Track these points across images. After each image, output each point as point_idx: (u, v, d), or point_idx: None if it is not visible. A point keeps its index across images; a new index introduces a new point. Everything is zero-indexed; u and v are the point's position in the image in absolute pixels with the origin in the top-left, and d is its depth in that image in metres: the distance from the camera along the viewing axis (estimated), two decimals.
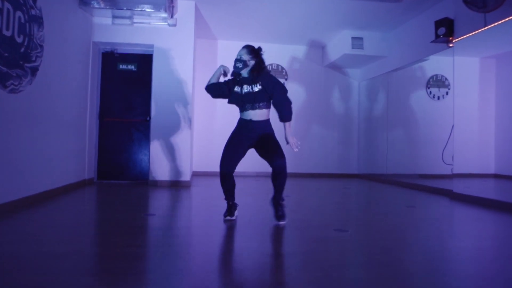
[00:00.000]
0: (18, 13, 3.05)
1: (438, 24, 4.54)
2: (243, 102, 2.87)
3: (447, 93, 5.01)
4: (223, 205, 2.98)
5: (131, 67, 5.35)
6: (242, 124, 2.94)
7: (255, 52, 2.87)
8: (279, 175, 2.83)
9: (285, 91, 2.92)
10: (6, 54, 2.90)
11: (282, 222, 2.81)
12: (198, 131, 6.71)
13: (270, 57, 6.97)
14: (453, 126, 4.45)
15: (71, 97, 4.36)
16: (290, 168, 6.77)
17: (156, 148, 5.06)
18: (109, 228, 2.64)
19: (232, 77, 2.97)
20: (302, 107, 7.18)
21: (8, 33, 2.91)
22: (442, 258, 2.03)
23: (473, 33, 4.11)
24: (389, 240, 2.43)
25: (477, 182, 4.63)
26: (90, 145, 5.04)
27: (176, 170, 5.14)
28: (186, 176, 5.16)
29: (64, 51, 4.12)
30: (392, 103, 6.20)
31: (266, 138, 2.89)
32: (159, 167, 5.09)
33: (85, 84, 4.85)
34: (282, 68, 7.16)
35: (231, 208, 2.93)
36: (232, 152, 2.88)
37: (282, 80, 6.83)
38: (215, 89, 3.02)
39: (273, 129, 2.98)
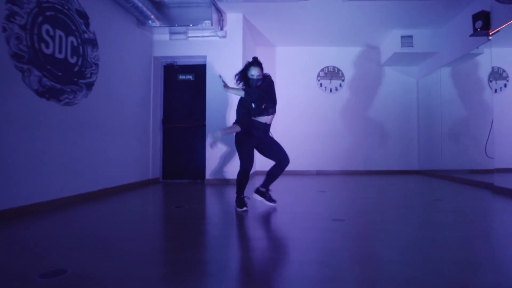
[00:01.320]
0: (71, 38, 3.53)
1: (475, 17, 4.33)
2: (266, 107, 3.12)
3: (505, 85, 4.40)
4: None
5: (189, 77, 5.71)
6: (260, 127, 3.17)
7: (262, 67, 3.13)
8: (282, 170, 3.21)
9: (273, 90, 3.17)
10: (60, 73, 3.37)
11: (275, 204, 3.25)
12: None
13: (326, 60, 6.82)
14: (492, 120, 4.15)
15: (133, 106, 4.85)
16: (351, 166, 6.65)
17: (210, 150, 5.31)
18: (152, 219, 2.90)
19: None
20: (361, 107, 6.87)
21: (60, 56, 3.39)
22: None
23: (506, 24, 3.88)
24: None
25: None
26: (154, 148, 5.52)
27: (228, 170, 5.33)
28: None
29: (124, 66, 4.61)
30: (448, 98, 5.76)
31: (270, 138, 3.30)
32: (214, 167, 5.33)
33: (147, 94, 5.34)
34: (338, 69, 6.90)
35: (242, 200, 3.16)
36: (251, 151, 3.19)
37: (338, 81, 6.64)
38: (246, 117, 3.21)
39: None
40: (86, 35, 3.78)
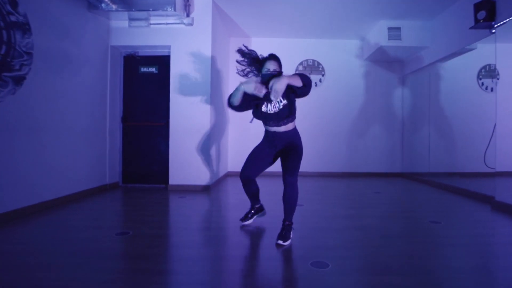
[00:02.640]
0: None
1: (478, 7, 3.68)
2: (267, 119, 2.52)
3: (496, 84, 3.93)
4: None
5: (152, 69, 4.94)
6: (268, 134, 2.62)
7: (280, 63, 2.52)
8: (287, 193, 2.46)
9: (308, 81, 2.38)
10: None
11: (280, 242, 2.35)
12: (232, 130, 6.22)
13: (305, 53, 6.17)
14: (495, 124, 3.63)
15: (83, 103, 4.08)
16: (331, 167, 6.06)
17: (174, 151, 4.61)
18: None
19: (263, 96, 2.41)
20: (341, 104, 6.30)
21: None
22: None
23: None
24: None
25: None
26: (112, 149, 4.76)
27: (194, 175, 4.64)
28: (205, 180, 4.63)
29: (71, 56, 3.83)
30: (435, 97, 5.21)
31: (290, 147, 2.51)
32: (178, 171, 4.63)
33: (103, 89, 4.56)
34: (319, 63, 6.25)
35: (249, 212, 2.90)
36: (255, 158, 2.66)
37: (318, 76, 6.00)
38: (242, 107, 2.56)
39: (300, 139, 2.58)
40: (12, 17, 2.98)
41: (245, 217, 2.88)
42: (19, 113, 3.08)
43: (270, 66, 2.43)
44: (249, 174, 2.66)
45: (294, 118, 2.54)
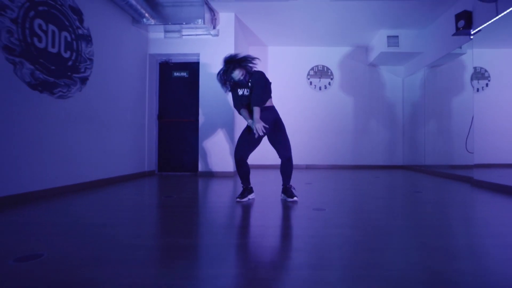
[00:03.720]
0: (64, 33, 3.42)
1: (458, 17, 4.26)
2: (242, 104, 2.95)
3: (486, 85, 4.34)
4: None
5: (184, 74, 5.61)
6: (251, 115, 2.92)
7: (240, 65, 2.80)
8: (286, 166, 2.98)
9: (261, 83, 2.82)
10: (53, 67, 3.27)
11: (295, 198, 2.95)
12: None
13: (316, 59, 6.73)
14: (472, 117, 4.18)
15: (128, 101, 4.76)
16: (340, 161, 6.58)
17: (203, 144, 5.24)
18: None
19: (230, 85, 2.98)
20: (348, 104, 6.81)
21: (54, 50, 3.28)
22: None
23: (486, 24, 3.85)
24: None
25: (504, 171, 4.05)
26: (150, 142, 5.43)
27: (219, 163, 5.25)
28: (230, 168, 5.24)
29: (119, 62, 4.52)
30: (431, 97, 5.69)
31: (275, 125, 2.95)
32: (206, 160, 5.25)
33: (143, 90, 5.24)
34: (328, 68, 6.81)
35: (245, 191, 3.02)
36: (244, 140, 2.91)
37: (328, 80, 6.55)
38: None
39: (278, 113, 3.02)
40: (80, 31, 3.68)
41: (242, 195, 2.98)
42: (84, 107, 3.76)
43: (239, 73, 2.79)
44: (242, 154, 2.88)
45: (269, 97, 2.95)
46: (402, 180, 4.75)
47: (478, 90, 4.70)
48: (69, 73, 3.51)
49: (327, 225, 2.11)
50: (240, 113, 3.00)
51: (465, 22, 4.08)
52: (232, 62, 2.77)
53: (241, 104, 2.96)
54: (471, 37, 4.14)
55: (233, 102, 3.04)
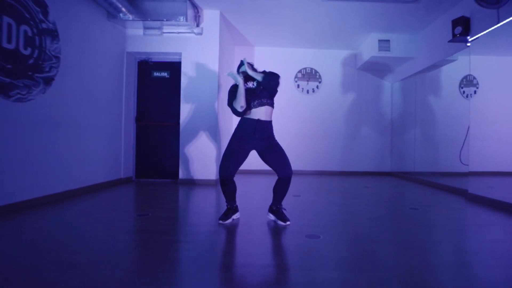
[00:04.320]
0: (24, 27, 2.96)
1: (455, 23, 3.97)
2: (250, 96, 2.59)
3: (475, 92, 4.14)
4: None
5: (164, 74, 5.18)
6: (248, 124, 2.57)
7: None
8: (285, 185, 2.59)
9: (275, 74, 2.57)
10: (9, 66, 2.80)
11: (288, 222, 2.58)
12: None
13: (304, 61, 6.41)
14: (468, 127, 3.92)
15: (102, 103, 4.31)
16: (327, 166, 6.27)
17: (184, 149, 4.83)
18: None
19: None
20: (336, 109, 6.52)
21: (10, 46, 2.81)
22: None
23: (487, 31, 3.55)
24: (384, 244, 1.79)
25: (497, 181, 3.89)
26: (127, 146, 4.97)
27: (201, 170, 4.85)
28: (212, 175, 4.84)
29: (92, 61, 4.06)
30: (421, 103, 5.45)
31: (271, 143, 2.61)
32: (187, 167, 4.85)
33: (119, 90, 4.78)
34: (316, 71, 6.49)
35: (228, 212, 2.67)
36: (230, 155, 2.56)
37: (316, 83, 6.24)
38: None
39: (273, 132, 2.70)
40: (44, 25, 3.21)
41: (225, 216, 2.63)
42: (48, 110, 3.30)
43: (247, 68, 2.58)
44: (229, 173, 2.53)
45: (273, 105, 2.64)
46: (393, 191, 4.47)
47: (467, 96, 4.53)
48: (30, 73, 3.04)
49: (324, 263, 1.76)
50: (234, 105, 2.58)
51: (462, 28, 3.81)
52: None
53: (250, 98, 2.60)
54: (468, 44, 3.87)
55: (230, 97, 2.64)
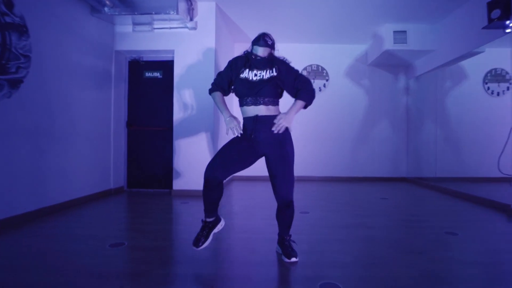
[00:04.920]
0: None
1: (492, 5, 3.31)
2: (246, 93, 1.97)
3: (508, 88, 3.61)
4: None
5: (157, 74, 4.69)
6: (246, 124, 2.01)
7: (272, 47, 2.05)
8: (285, 212, 2.02)
9: (310, 83, 2.02)
10: None
11: (293, 259, 1.97)
12: None
13: (310, 58, 5.90)
14: (511, 128, 3.34)
15: (86, 107, 3.85)
16: (335, 172, 5.74)
17: (178, 156, 4.34)
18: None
19: (244, 54, 2.07)
20: (346, 109, 5.98)
21: None
22: None
23: None
24: None
25: None
26: (117, 154, 4.50)
27: (198, 180, 4.35)
28: None
29: (73, 60, 3.59)
30: (442, 101, 4.84)
31: (282, 148, 1.97)
32: (182, 176, 4.36)
33: (107, 93, 4.31)
34: (323, 68, 5.94)
35: (204, 229, 2.01)
36: (227, 153, 1.97)
37: (322, 81, 5.71)
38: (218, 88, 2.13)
39: (290, 138, 2.04)
40: (8, 19, 2.74)
41: (197, 240, 1.99)
42: (16, 117, 2.84)
43: (263, 52, 1.98)
44: (216, 171, 1.92)
45: (278, 103, 2.06)
46: (416, 204, 3.90)
47: (498, 94, 4.05)
48: None
49: None
50: (213, 96, 2.13)
51: (501, 11, 3.19)
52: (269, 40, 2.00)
53: (245, 92, 1.98)
54: (508, 30, 3.28)
55: (217, 80, 2.11)
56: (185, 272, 1.81)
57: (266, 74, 1.96)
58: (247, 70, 2.01)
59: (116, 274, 1.78)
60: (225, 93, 2.14)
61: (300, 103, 1.96)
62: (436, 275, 1.78)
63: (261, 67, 1.98)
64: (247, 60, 2.03)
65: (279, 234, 2.11)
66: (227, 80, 2.08)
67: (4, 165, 2.72)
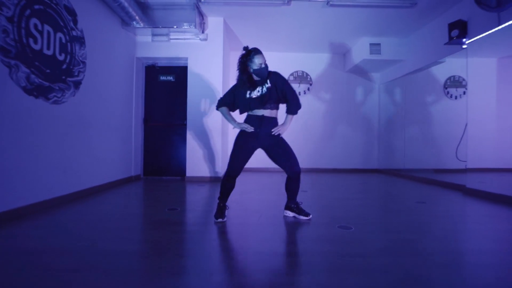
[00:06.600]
0: (59, 34, 3.09)
1: (452, 26, 4.21)
2: (251, 106, 2.49)
3: (464, 93, 4.44)
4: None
5: (170, 78, 5.35)
6: (253, 120, 2.51)
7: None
8: (296, 181, 2.62)
9: (296, 94, 2.55)
10: (48, 71, 2.93)
11: (310, 216, 2.65)
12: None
13: (296, 65, 6.72)
14: (466, 124, 4.10)
15: (117, 106, 4.43)
16: (318, 164, 6.63)
17: (191, 148, 5.02)
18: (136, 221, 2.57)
19: (241, 82, 2.52)
20: (327, 110, 6.86)
21: (49, 52, 2.95)
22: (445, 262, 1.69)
23: (487, 33, 3.75)
24: (397, 239, 2.10)
25: (491, 176, 4.02)
26: (136, 146, 5.10)
27: (208, 168, 5.06)
28: (218, 173, 5.06)
29: (109, 66, 4.19)
30: (409, 103, 5.75)
31: (277, 140, 2.56)
32: (194, 165, 5.04)
33: (130, 94, 4.91)
34: (307, 74, 6.82)
35: (222, 209, 2.59)
36: (239, 157, 2.51)
37: (307, 85, 6.57)
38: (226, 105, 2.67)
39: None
40: (74, 32, 3.35)
41: (222, 215, 2.56)
42: (76, 113, 3.43)
43: (261, 60, 2.40)
44: (239, 171, 2.52)
45: (278, 107, 2.57)
46: (389, 187, 4.64)
47: (456, 97, 4.73)
48: (63, 77, 3.18)
49: (368, 250, 2.04)
50: (221, 111, 2.64)
51: (459, 31, 4.05)
52: (253, 50, 2.45)
53: (250, 106, 2.50)
54: (464, 46, 4.08)
55: (223, 99, 2.62)
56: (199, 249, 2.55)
57: (264, 88, 2.46)
58: (249, 91, 2.49)
59: (170, 232, 2.49)
60: (230, 108, 2.64)
61: (291, 117, 2.55)
62: (412, 225, 2.63)
63: (259, 84, 2.48)
64: (248, 84, 2.48)
65: (288, 203, 2.72)
66: (230, 101, 2.60)
67: (69, 151, 3.31)
